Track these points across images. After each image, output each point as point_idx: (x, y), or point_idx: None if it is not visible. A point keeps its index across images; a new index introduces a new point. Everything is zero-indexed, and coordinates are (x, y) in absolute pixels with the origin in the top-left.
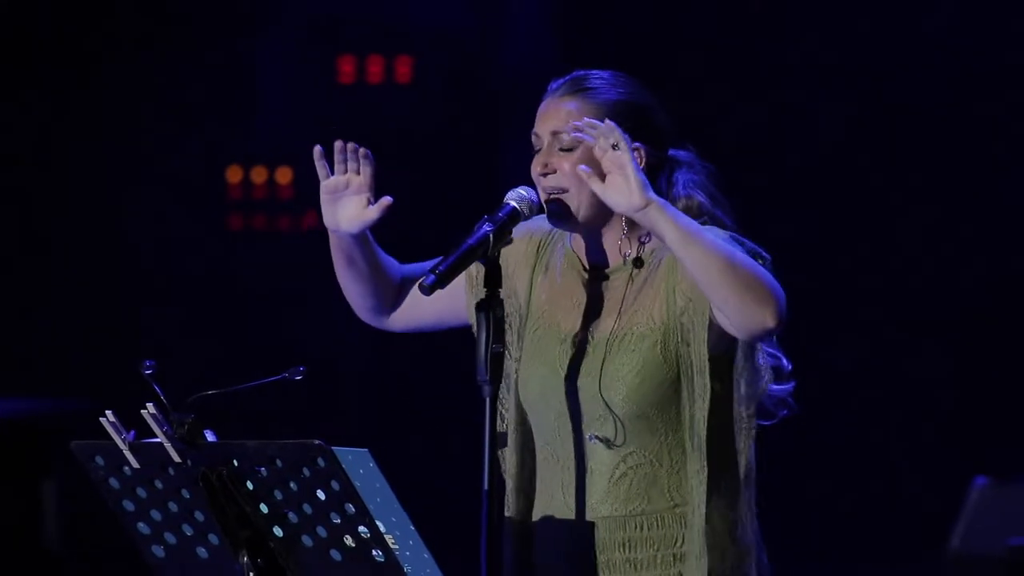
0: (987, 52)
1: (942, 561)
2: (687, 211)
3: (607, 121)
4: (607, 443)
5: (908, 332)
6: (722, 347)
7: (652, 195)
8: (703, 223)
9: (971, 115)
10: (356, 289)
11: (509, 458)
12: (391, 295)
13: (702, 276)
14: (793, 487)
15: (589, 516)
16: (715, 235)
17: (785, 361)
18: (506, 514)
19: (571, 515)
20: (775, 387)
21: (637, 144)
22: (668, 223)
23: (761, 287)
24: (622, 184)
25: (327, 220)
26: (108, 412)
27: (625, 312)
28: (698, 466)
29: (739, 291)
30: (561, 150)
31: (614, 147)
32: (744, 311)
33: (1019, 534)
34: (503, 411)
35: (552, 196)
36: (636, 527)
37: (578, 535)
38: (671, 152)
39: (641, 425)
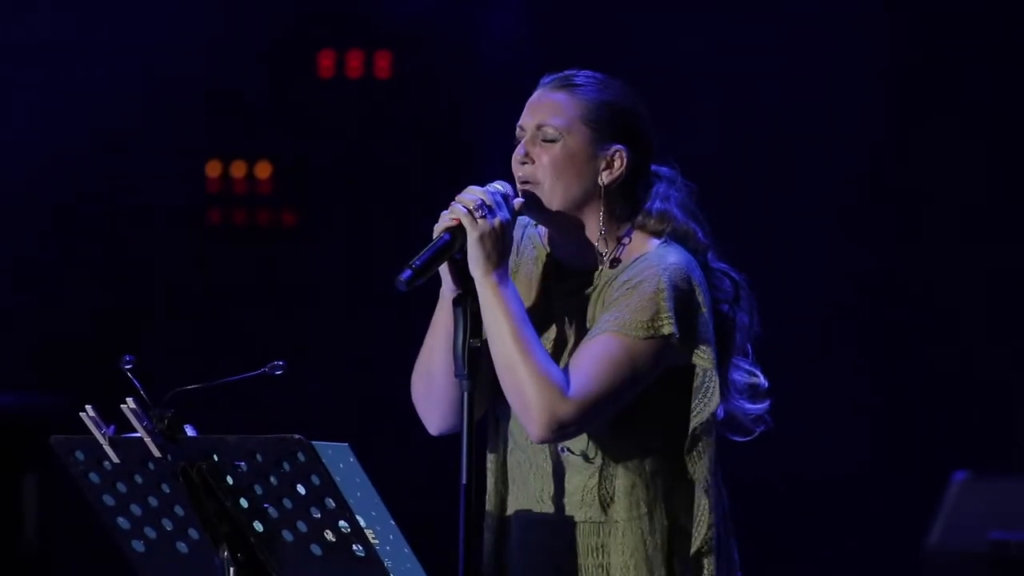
0: None
1: (920, 556)
2: (661, 227)
3: (478, 199)
4: (578, 455)
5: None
6: (678, 360)
7: (490, 275)
8: (670, 235)
9: None
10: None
11: (488, 456)
12: None
13: (495, 363)
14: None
15: (563, 520)
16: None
17: (762, 379)
18: (486, 508)
19: (545, 519)
20: (750, 407)
21: (618, 146)
22: (488, 303)
23: (532, 403)
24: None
25: (455, 284)
26: (88, 407)
27: (594, 319)
28: (663, 474)
29: (513, 396)
30: (544, 141)
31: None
32: (518, 413)
33: (998, 528)
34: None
35: (524, 185)
36: (608, 533)
37: (551, 539)
38: (654, 168)
39: (612, 435)
